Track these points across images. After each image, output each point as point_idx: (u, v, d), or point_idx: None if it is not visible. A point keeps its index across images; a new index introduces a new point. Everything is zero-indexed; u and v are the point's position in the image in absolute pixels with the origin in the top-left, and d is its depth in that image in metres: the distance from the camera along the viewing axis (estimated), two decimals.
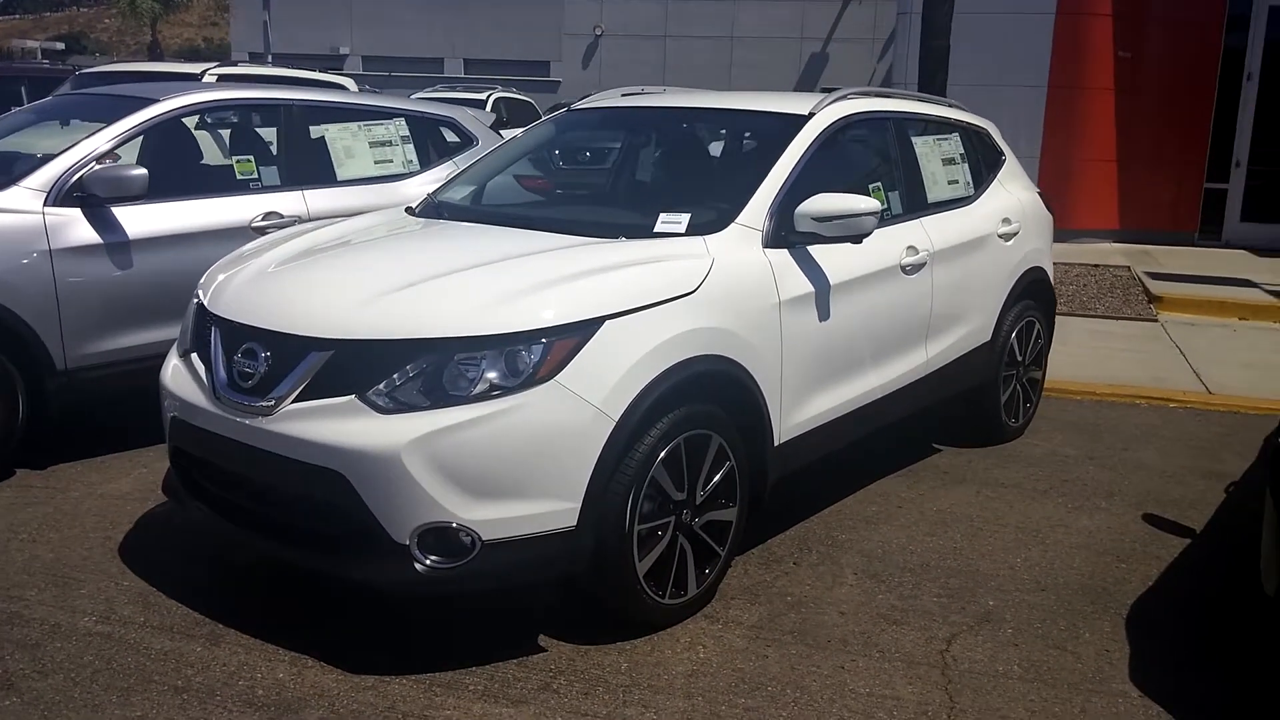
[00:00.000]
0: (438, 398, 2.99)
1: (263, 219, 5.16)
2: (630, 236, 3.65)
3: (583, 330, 3.07)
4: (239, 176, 5.22)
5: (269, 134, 5.55)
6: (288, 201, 5.29)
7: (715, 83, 23.85)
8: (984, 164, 5.25)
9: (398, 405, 3.00)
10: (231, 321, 3.33)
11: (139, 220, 4.78)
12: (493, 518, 2.99)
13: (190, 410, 3.39)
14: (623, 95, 5.00)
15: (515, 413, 2.97)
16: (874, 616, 3.56)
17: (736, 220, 3.68)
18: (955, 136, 5.04)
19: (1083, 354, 7.30)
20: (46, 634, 3.33)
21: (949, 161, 4.91)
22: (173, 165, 5.08)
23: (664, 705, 3.02)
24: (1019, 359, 5.36)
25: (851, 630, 3.47)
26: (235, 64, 11.72)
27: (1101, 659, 3.33)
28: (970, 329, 4.88)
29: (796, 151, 3.95)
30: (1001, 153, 5.43)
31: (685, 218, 3.69)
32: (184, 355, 3.59)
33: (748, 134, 4.31)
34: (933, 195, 4.68)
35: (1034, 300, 5.39)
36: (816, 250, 3.85)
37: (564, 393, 3.02)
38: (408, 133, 5.93)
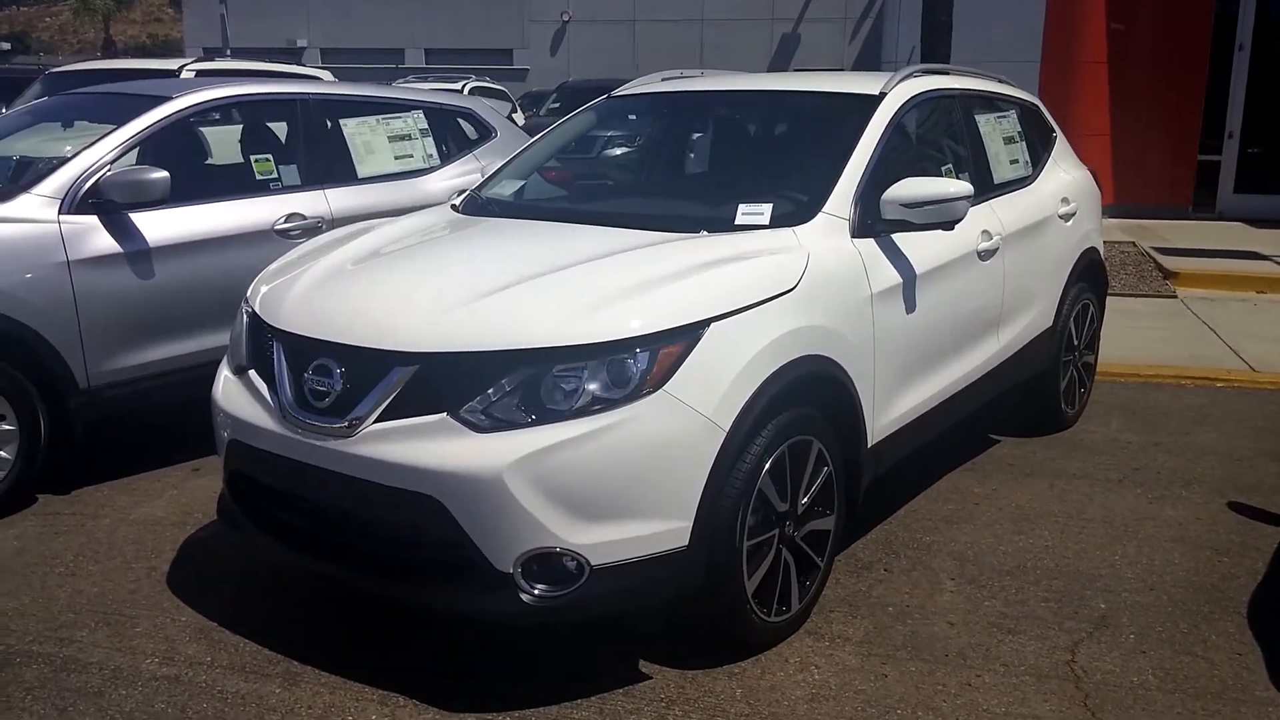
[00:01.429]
0: (538, 413, 2.75)
1: (285, 221, 4.88)
2: (712, 230, 3.42)
3: (689, 335, 2.85)
4: (258, 177, 4.92)
5: (280, 130, 5.26)
6: (309, 202, 5.00)
7: (686, 66, 23.59)
8: (1039, 142, 5.07)
9: (495, 423, 2.75)
10: (299, 335, 3.06)
11: (159, 226, 4.48)
12: (601, 541, 2.76)
13: (252, 432, 3.12)
14: (663, 80, 4.73)
15: (624, 427, 2.74)
16: (985, 626, 3.37)
17: (824, 210, 3.47)
18: (1012, 114, 4.85)
19: (1113, 333, 7.10)
20: (109, 680, 3.06)
21: (1009, 140, 4.72)
22: (189, 167, 4.78)
23: None
24: (1075, 344, 5.20)
25: (967, 642, 3.27)
26: (212, 59, 11.35)
27: (1236, 664, 3.16)
28: (1035, 314, 4.70)
29: (875, 134, 3.73)
30: (1053, 129, 5.25)
31: (767, 208, 3.47)
32: (239, 371, 3.31)
33: (816, 117, 4.09)
34: (998, 176, 4.49)
35: (1088, 283, 5.22)
36: (901, 239, 3.64)
37: (673, 403, 2.79)
38: (426, 125, 5.65)
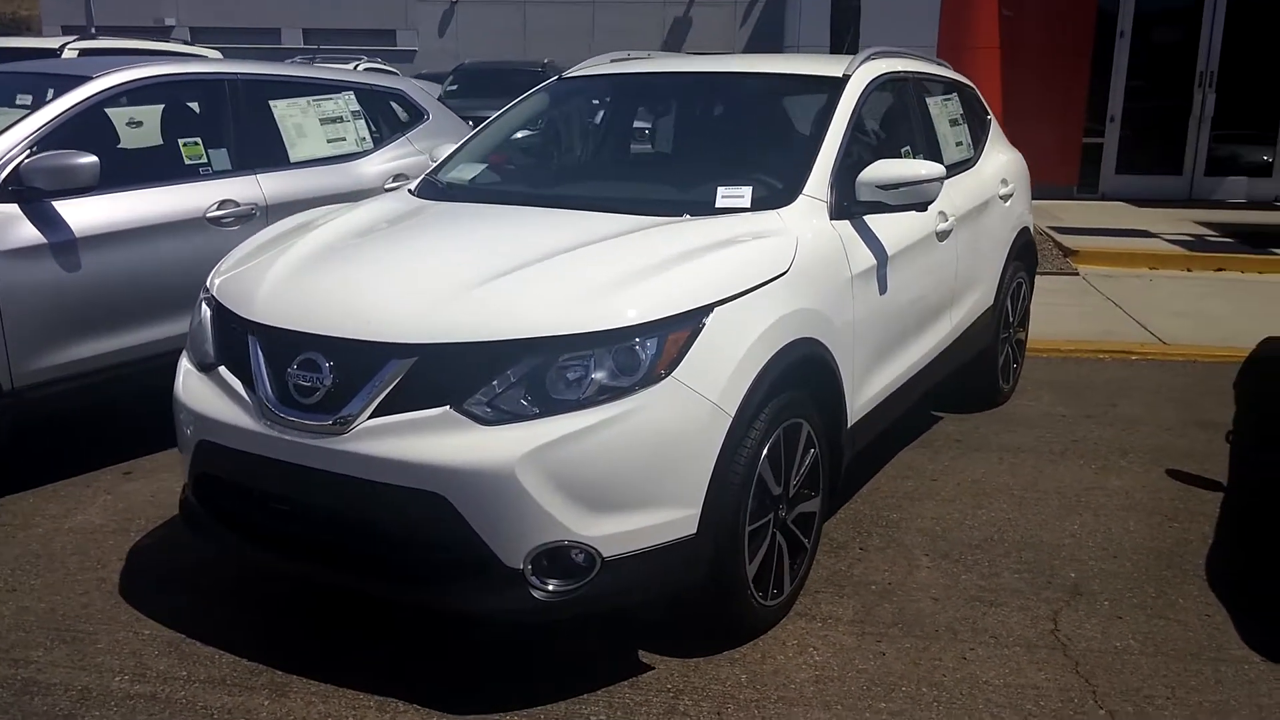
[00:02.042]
0: (546, 404, 2.68)
1: (218, 208, 4.65)
2: (694, 214, 3.38)
3: (694, 320, 2.80)
4: (187, 161, 4.67)
5: (206, 112, 5.00)
6: (242, 188, 4.78)
7: (578, 48, 23.43)
8: (978, 124, 5.17)
9: (502, 415, 2.66)
10: (280, 329, 2.90)
11: (85, 215, 4.21)
12: (612, 532, 2.71)
13: (226, 431, 2.96)
14: (612, 61, 4.66)
15: (634, 415, 2.68)
16: (967, 600, 3.43)
17: (804, 192, 3.46)
18: (955, 96, 4.94)
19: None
20: (77, 702, 2.87)
21: (954, 123, 4.81)
22: (113, 151, 4.50)
23: (806, 719, 2.81)
24: (1011, 321, 5.34)
25: (953, 617, 3.33)
26: (94, 37, 10.76)
27: (1208, 625, 3.29)
28: (980, 294, 4.81)
29: (844, 115, 3.75)
30: (987, 112, 5.37)
31: (747, 191, 3.45)
32: (205, 368, 3.13)
33: (783, 99, 4.08)
34: (947, 158, 4.55)
35: (1022, 261, 5.37)
36: (872, 220, 3.66)
37: (682, 390, 2.75)
38: (358, 107, 5.45)
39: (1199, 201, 12.83)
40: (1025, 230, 5.35)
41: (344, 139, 5.33)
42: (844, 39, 9.50)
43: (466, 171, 4.07)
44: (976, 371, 5.11)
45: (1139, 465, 4.63)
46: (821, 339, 3.25)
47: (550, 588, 2.69)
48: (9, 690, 2.92)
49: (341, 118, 5.33)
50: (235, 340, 3.05)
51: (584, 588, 2.71)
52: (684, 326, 2.78)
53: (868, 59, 4.09)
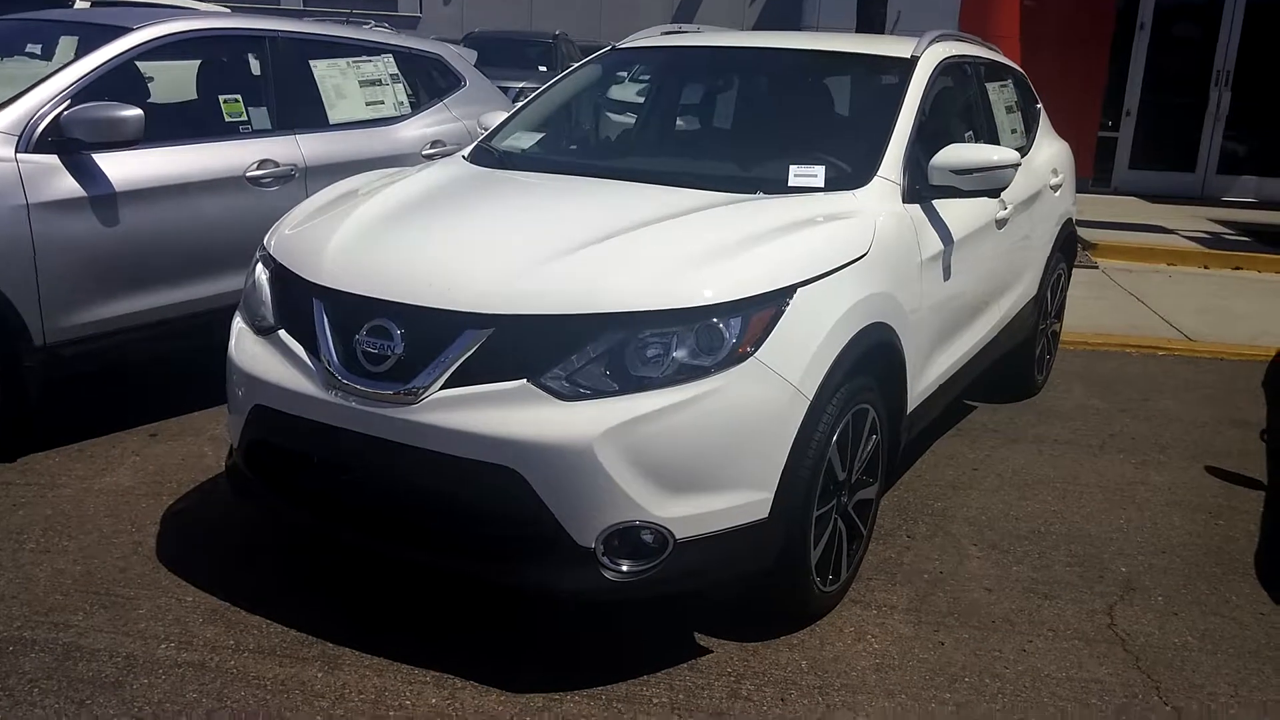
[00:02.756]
0: (626, 380, 2.61)
1: (257, 167, 4.55)
2: (768, 192, 3.31)
3: (778, 300, 2.74)
4: (227, 119, 4.57)
5: (246, 69, 4.88)
6: (281, 148, 4.68)
7: (587, 19, 23.24)
8: (1029, 112, 5.11)
9: (581, 391, 2.60)
10: (350, 294, 2.82)
11: (124, 169, 4.11)
12: (687, 514, 2.65)
13: (285, 397, 2.89)
14: (662, 34, 4.56)
15: (716, 395, 2.62)
16: (1021, 591, 3.40)
17: (878, 174, 3.40)
18: (1010, 83, 4.87)
19: None
20: (123, 669, 2.80)
21: (1009, 110, 4.75)
22: (150, 106, 4.40)
23: (871, 707, 2.77)
24: (1049, 312, 5.29)
25: (1008, 608, 3.29)
26: None
27: (1263, 624, 3.27)
28: (1027, 283, 4.76)
29: (915, 97, 3.68)
30: (1037, 101, 5.30)
31: (820, 170, 3.39)
32: (263, 331, 3.06)
33: (852, 78, 4.00)
34: (1004, 144, 4.49)
35: (1064, 253, 5.33)
36: (940, 205, 3.61)
37: (764, 371, 2.69)
38: (396, 70, 5.35)
39: (1210, 199, 12.82)
40: (1069, 222, 5.30)
41: (382, 102, 5.23)
42: (872, 19, 9.40)
43: (523, 140, 3.98)
44: (1015, 361, 5.06)
45: (1178, 461, 4.60)
46: (892, 324, 3.20)
47: (623, 568, 2.64)
48: (51, 655, 2.85)
49: (380, 80, 5.23)
50: (298, 304, 2.97)
51: (655, 569, 2.66)
52: (768, 306, 2.72)
53: (934, 41, 4.02)
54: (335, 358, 2.80)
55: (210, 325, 4.48)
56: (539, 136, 4.03)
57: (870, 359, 3.07)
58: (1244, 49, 12.85)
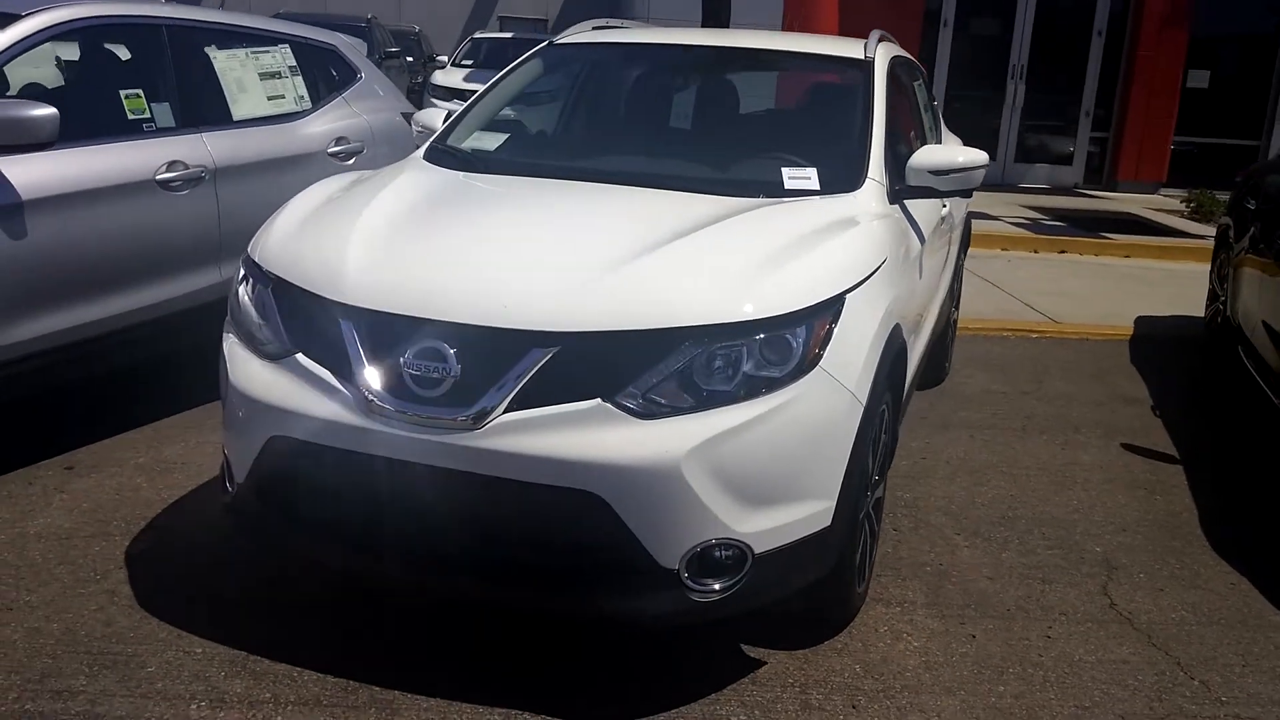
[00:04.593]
0: (699, 396, 2.53)
1: (166, 169, 4.14)
2: (767, 195, 3.29)
3: (835, 307, 2.72)
4: (129, 117, 4.13)
5: (139, 60, 4.42)
6: (188, 148, 4.27)
7: (385, 9, 22.46)
8: (934, 110, 5.29)
9: (658, 409, 2.50)
10: (388, 314, 2.60)
11: (30, 174, 3.65)
12: (764, 528, 2.60)
13: (315, 427, 2.64)
14: (594, 29, 4.46)
15: (790, 407, 2.58)
16: (1019, 578, 3.53)
17: (868, 176, 3.43)
18: (921, 80, 5.03)
19: None
20: None
21: (927, 108, 4.90)
22: (50, 103, 3.91)
23: (937, 706, 2.81)
24: (956, 301, 5.52)
25: (1016, 596, 3.41)
26: None
27: (1236, 593, 3.52)
28: (949, 275, 4.93)
29: (882, 98, 3.74)
30: (934, 99, 5.50)
31: (813, 172, 3.39)
32: (271, 356, 2.78)
33: (814, 79, 4.02)
34: (932, 141, 4.63)
35: (963, 246, 5.56)
36: (911, 205, 3.68)
37: (828, 380, 2.66)
38: (295, 62, 4.98)
39: (1009, 186, 13.75)
40: (968, 215, 5.53)
41: (283, 96, 4.86)
42: (719, 15, 9.52)
43: (486, 140, 3.79)
44: (935, 350, 5.24)
45: (1095, 441, 4.90)
46: (901, 324, 3.24)
47: (713, 587, 2.56)
48: None
49: (280, 73, 4.86)
50: (317, 324, 2.72)
51: (738, 586, 2.60)
52: (827, 314, 2.70)
53: (880, 41, 4.09)
54: (378, 383, 2.57)
55: (128, 344, 4.08)
56: (503, 138, 3.84)
57: (895, 361, 3.10)
58: (1035, 44, 13.84)
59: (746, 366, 2.58)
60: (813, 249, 2.85)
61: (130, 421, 4.32)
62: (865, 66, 3.86)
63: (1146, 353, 6.45)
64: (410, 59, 18.30)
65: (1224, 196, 11.80)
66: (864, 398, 2.77)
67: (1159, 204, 12.92)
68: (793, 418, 2.59)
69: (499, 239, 2.89)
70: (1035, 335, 6.77)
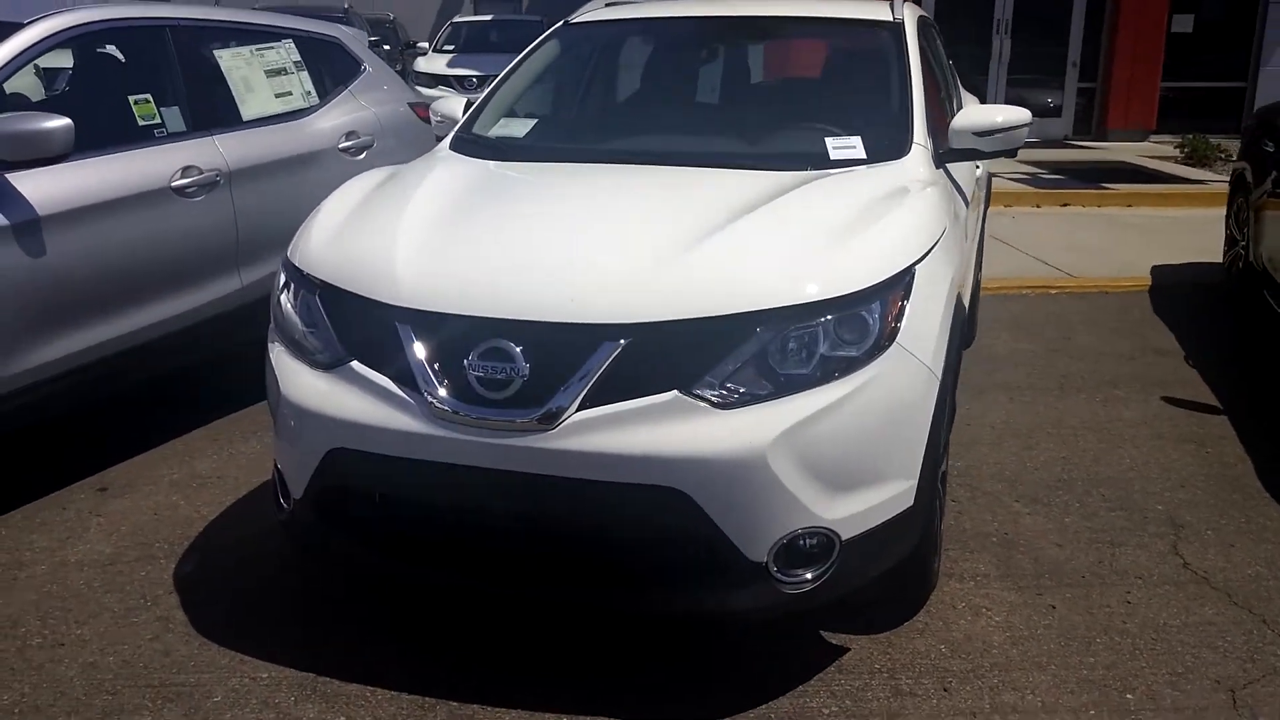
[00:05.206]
0: (776, 381, 2.44)
1: (181, 175, 4.01)
2: (814, 166, 3.19)
3: (905, 281, 2.63)
4: (140, 122, 4.00)
5: (148, 64, 4.28)
6: (201, 152, 4.14)
7: None
8: (951, 66, 5.19)
9: (736, 397, 2.41)
10: (448, 315, 2.50)
11: (46, 188, 3.53)
12: (851, 513, 2.52)
13: (377, 437, 2.54)
14: (607, 5, 4.32)
15: (869, 387, 2.49)
16: (1088, 543, 3.47)
17: (914, 141, 3.33)
18: (939, 41, 4.92)
19: None
20: None
21: (949, 67, 4.79)
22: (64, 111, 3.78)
23: (1034, 683, 2.74)
24: (981, 261, 5.44)
25: (1087, 562, 3.35)
26: None
27: None
28: (976, 236, 4.85)
29: (916, 60, 3.64)
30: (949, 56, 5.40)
31: (857, 140, 3.29)
32: (323, 365, 2.67)
33: (845, 44, 3.91)
34: (958, 103, 4.54)
35: (985, 206, 5.47)
36: (952, 168, 3.59)
37: (905, 355, 2.57)
38: (299, 58, 4.84)
39: None
40: (988, 173, 5.44)
41: (290, 93, 4.72)
42: None
43: (514, 127, 3.68)
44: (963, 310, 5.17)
45: (1135, 395, 4.83)
46: (960, 292, 3.16)
47: (804, 577, 2.49)
48: None
49: (285, 69, 4.72)
50: (370, 329, 2.62)
51: (828, 574, 2.52)
52: (899, 288, 2.61)
53: (905, 1, 3.98)
54: (442, 387, 2.48)
55: (152, 358, 3.97)
56: (530, 123, 3.73)
57: (960, 330, 3.02)
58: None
59: (823, 348, 2.49)
60: (876, 221, 2.75)
61: (157, 437, 4.21)
62: (896, 29, 3.76)
63: (1168, 302, 6.39)
64: (387, 47, 18.04)
65: (1217, 141, 11.81)
66: (939, 371, 2.69)
67: (1151, 151, 12.86)
68: (873, 397, 2.50)
69: (552, 229, 2.79)
70: (1055, 291, 6.70)
